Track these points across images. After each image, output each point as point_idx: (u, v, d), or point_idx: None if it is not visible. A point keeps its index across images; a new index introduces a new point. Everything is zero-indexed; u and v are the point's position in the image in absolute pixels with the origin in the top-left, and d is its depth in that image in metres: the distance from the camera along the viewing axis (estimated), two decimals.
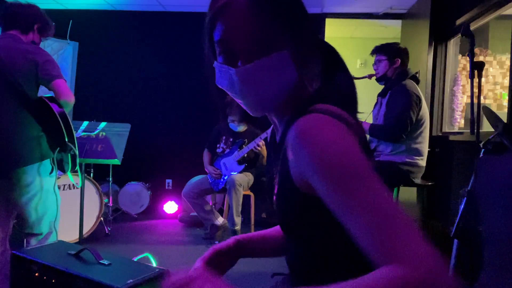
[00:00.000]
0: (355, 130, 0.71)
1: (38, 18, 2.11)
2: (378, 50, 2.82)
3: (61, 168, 2.08)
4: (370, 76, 2.90)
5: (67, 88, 2.02)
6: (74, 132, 2.06)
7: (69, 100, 2.03)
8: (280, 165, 0.77)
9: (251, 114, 0.81)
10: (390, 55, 2.76)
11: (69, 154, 2.06)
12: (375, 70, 2.86)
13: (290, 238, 0.87)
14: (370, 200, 0.59)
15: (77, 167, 2.12)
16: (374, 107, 2.92)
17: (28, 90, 1.96)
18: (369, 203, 0.58)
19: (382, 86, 2.86)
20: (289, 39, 0.74)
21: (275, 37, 0.73)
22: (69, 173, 2.15)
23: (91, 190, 3.43)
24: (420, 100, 2.65)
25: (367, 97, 3.05)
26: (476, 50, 3.47)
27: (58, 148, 2.03)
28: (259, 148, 3.67)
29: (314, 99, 0.76)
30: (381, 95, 2.83)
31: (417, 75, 2.87)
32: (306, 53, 0.78)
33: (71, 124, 2.04)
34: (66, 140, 2.00)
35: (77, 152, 2.07)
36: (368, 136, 2.83)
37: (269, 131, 3.78)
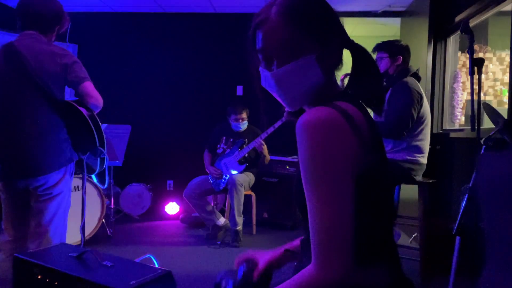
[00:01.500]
0: (359, 130, 0.81)
1: (60, 19, 2.04)
2: (380, 48, 2.81)
3: (89, 170, 2.07)
4: None
5: (95, 91, 2.00)
6: (104, 135, 2.04)
7: (98, 103, 2.02)
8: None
9: (288, 109, 0.97)
10: (392, 53, 2.75)
11: (98, 158, 2.05)
12: None
13: (305, 217, 0.97)
14: (321, 207, 0.76)
15: (104, 167, 2.09)
16: None
17: (56, 93, 1.94)
18: (319, 209, 0.76)
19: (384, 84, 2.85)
20: (316, 46, 0.87)
21: (303, 45, 0.87)
22: (93, 176, 2.14)
23: (92, 192, 3.44)
24: (421, 97, 2.65)
25: None
26: (476, 46, 3.47)
27: (88, 153, 2.02)
28: (263, 146, 3.66)
29: (338, 96, 0.88)
30: None
31: (417, 72, 2.87)
32: (332, 56, 0.90)
33: (101, 128, 2.02)
34: (98, 144, 1.99)
35: (106, 156, 2.05)
36: None
37: (269, 130, 3.79)
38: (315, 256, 0.76)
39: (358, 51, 0.93)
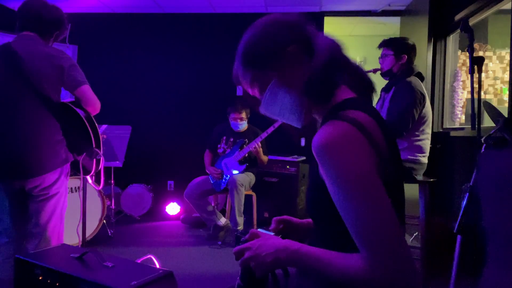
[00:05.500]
0: (375, 140, 0.83)
1: (60, 25, 2.05)
2: (386, 44, 2.77)
3: (85, 171, 2.08)
4: (375, 71, 2.86)
5: (93, 94, 2.00)
6: (100, 136, 2.04)
7: (96, 106, 2.02)
8: (314, 159, 0.92)
9: (299, 127, 1.03)
10: (397, 51, 2.72)
11: (94, 159, 2.05)
12: (380, 63, 2.81)
13: (316, 222, 1.00)
14: (365, 212, 0.77)
15: (100, 168, 2.10)
16: (377, 103, 2.90)
17: (52, 94, 1.94)
18: (362, 215, 0.77)
19: (386, 81, 2.84)
20: (274, 70, 0.97)
21: (264, 75, 0.98)
22: (88, 177, 2.15)
23: (93, 193, 3.44)
24: (424, 97, 2.64)
25: None
26: (476, 45, 3.47)
27: (84, 154, 2.02)
28: (258, 148, 3.65)
29: (349, 105, 0.90)
30: (385, 90, 2.81)
31: (420, 72, 2.86)
32: (294, 71, 0.96)
33: (97, 129, 2.03)
34: (94, 145, 1.99)
35: (102, 157, 2.06)
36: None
37: (269, 130, 3.79)
38: (366, 252, 0.77)
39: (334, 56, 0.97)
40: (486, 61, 3.45)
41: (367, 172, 0.79)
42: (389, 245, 0.75)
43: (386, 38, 2.86)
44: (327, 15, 4.68)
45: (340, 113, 0.86)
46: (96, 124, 2.04)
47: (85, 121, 1.98)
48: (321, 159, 0.82)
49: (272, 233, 1.04)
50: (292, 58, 0.95)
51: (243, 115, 3.80)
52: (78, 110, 1.99)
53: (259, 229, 1.04)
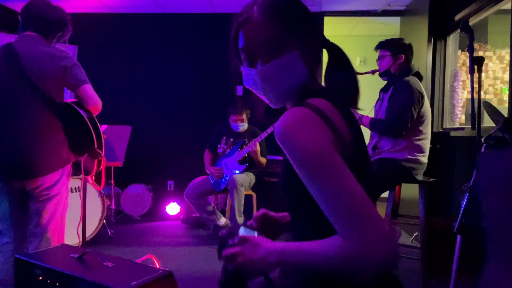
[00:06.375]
0: (333, 124, 0.84)
1: (63, 26, 2.06)
2: (382, 46, 2.79)
3: (86, 172, 2.09)
4: (373, 72, 2.88)
5: (94, 94, 2.01)
6: (102, 137, 2.05)
7: (98, 106, 2.02)
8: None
9: (272, 107, 0.99)
10: (394, 51, 2.74)
11: (95, 160, 2.06)
12: (378, 65, 2.83)
13: (291, 212, 0.99)
14: (332, 187, 0.77)
15: (101, 169, 2.12)
16: (376, 103, 2.91)
17: (54, 95, 1.94)
18: (330, 190, 0.77)
19: (385, 82, 2.84)
20: (298, 42, 0.92)
21: (286, 42, 0.90)
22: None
23: (93, 193, 3.44)
24: (422, 96, 2.64)
25: (370, 92, 3.05)
26: (476, 45, 3.47)
27: (86, 154, 2.03)
28: (255, 148, 3.65)
29: (315, 93, 0.91)
30: (384, 90, 2.82)
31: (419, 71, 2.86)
32: (314, 52, 0.95)
33: (100, 129, 2.03)
34: (96, 146, 2.00)
35: (103, 158, 2.06)
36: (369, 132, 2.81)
37: (269, 130, 3.78)
38: (343, 231, 0.75)
39: (333, 49, 0.98)
40: (486, 61, 3.45)
41: (326, 147, 0.80)
42: (361, 215, 0.74)
43: (386, 38, 2.86)
44: (327, 15, 4.68)
45: (302, 102, 0.88)
46: (99, 125, 2.05)
47: (88, 121, 1.98)
48: (282, 143, 0.83)
49: (255, 232, 1.03)
50: (314, 41, 0.95)
51: (244, 116, 3.80)
52: (80, 111, 1.99)
53: (241, 227, 1.04)
